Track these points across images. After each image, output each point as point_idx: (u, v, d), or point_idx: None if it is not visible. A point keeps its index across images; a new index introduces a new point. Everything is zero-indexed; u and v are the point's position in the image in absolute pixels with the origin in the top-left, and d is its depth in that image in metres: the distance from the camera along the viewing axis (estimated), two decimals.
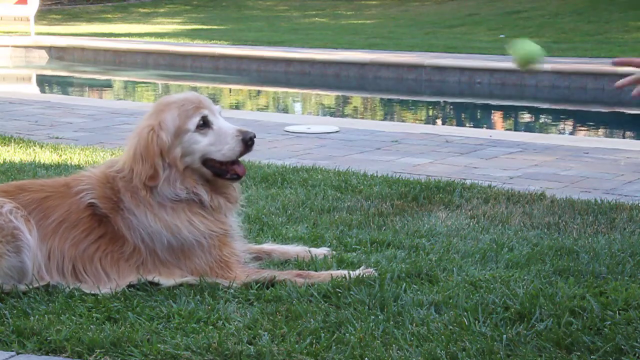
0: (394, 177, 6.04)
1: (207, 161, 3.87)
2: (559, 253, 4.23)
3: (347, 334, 3.20)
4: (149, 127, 3.88)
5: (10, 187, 3.96)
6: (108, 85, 17.49)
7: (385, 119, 13.38)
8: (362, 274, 3.78)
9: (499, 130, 11.47)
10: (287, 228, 4.71)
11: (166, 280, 3.77)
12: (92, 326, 3.30)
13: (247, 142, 3.83)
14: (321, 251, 4.21)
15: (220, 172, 3.89)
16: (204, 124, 3.85)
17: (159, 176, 3.81)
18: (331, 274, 3.80)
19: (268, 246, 4.27)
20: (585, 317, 3.31)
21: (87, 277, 3.77)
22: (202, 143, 3.84)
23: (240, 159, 3.90)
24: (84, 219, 3.83)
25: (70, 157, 6.76)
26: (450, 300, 3.51)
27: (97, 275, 3.77)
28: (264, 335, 3.20)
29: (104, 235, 3.82)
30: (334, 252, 4.23)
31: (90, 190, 3.87)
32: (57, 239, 3.79)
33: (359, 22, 26.53)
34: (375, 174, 6.19)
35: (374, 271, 3.84)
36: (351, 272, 3.81)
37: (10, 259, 3.65)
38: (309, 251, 4.19)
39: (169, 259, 3.83)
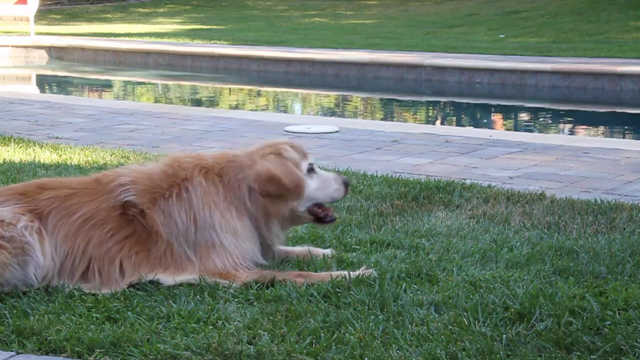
0: (393, 177, 6.04)
1: (311, 207, 4.04)
2: (559, 253, 4.23)
3: (347, 334, 3.20)
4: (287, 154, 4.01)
5: (30, 187, 3.93)
6: (108, 85, 17.50)
7: (385, 119, 13.38)
8: (361, 274, 3.78)
9: (499, 130, 11.47)
10: None
11: (166, 279, 3.77)
12: (92, 326, 3.30)
13: (347, 186, 4.14)
14: (322, 251, 4.21)
15: (321, 217, 4.09)
16: (311, 170, 4.07)
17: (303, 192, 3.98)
18: (331, 274, 3.81)
19: None
20: (585, 317, 3.31)
21: (96, 278, 3.75)
22: (311, 187, 4.03)
23: None
24: (112, 218, 3.80)
25: (70, 157, 6.75)
26: (450, 300, 3.51)
27: (110, 275, 3.74)
28: (264, 335, 3.20)
29: (131, 235, 3.80)
30: (334, 252, 4.23)
31: (129, 185, 3.85)
32: (80, 237, 3.77)
33: (359, 22, 26.53)
34: (375, 174, 6.19)
35: (373, 271, 3.84)
36: (351, 272, 3.81)
37: (14, 271, 3.66)
38: (309, 251, 4.20)
39: (193, 257, 3.82)
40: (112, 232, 3.79)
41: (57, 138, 7.92)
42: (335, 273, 3.82)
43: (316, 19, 28.36)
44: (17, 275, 3.66)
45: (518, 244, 4.40)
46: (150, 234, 3.81)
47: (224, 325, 3.30)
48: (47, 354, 3.14)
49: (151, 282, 3.75)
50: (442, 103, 14.99)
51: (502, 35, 21.28)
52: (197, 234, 3.83)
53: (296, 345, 3.11)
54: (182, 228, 3.82)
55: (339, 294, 3.59)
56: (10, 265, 3.64)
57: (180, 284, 3.74)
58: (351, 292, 3.60)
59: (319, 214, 4.07)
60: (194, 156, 4.03)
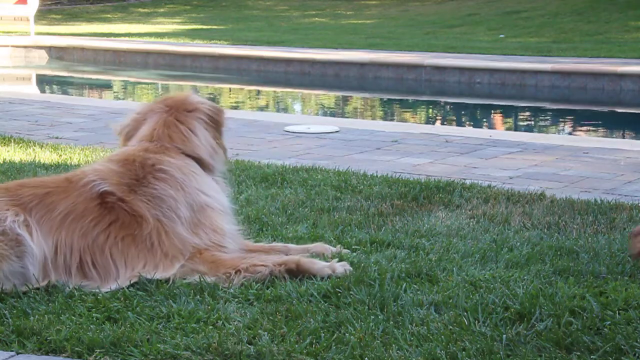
0: (393, 177, 6.04)
1: None
2: (559, 253, 4.24)
3: (347, 334, 3.20)
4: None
5: (11, 184, 4.01)
6: (108, 85, 17.50)
7: (385, 119, 13.38)
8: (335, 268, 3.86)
9: (499, 130, 11.48)
10: (287, 228, 4.71)
11: (164, 274, 3.79)
12: (92, 326, 3.30)
13: None
14: (331, 249, 4.25)
15: None
16: None
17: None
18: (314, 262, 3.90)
19: (281, 245, 4.32)
20: (585, 317, 3.31)
21: (94, 273, 3.77)
22: None
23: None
24: (92, 209, 3.84)
25: (70, 157, 6.76)
26: (450, 300, 3.51)
27: (106, 268, 3.77)
28: (264, 335, 3.20)
29: (115, 221, 3.84)
30: (334, 250, 4.24)
31: (100, 180, 3.91)
32: (64, 231, 3.80)
33: (359, 22, 26.54)
34: (375, 174, 6.19)
35: (347, 265, 3.91)
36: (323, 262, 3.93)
37: (13, 263, 3.66)
38: (307, 249, 4.22)
39: (184, 232, 3.88)
40: (94, 222, 3.83)
41: (57, 138, 7.92)
42: (321, 263, 3.90)
43: (316, 19, 28.37)
44: (15, 268, 3.66)
45: (518, 244, 4.40)
46: (134, 217, 3.85)
47: (224, 325, 3.30)
48: (47, 354, 3.14)
49: (150, 281, 3.76)
50: (442, 103, 14.99)
51: (502, 35, 21.29)
52: (189, 199, 3.93)
53: (296, 345, 3.11)
54: (172, 202, 3.89)
55: (339, 294, 3.59)
56: (8, 257, 3.65)
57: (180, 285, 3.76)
58: (351, 292, 3.60)
59: None
60: (141, 149, 4.08)
